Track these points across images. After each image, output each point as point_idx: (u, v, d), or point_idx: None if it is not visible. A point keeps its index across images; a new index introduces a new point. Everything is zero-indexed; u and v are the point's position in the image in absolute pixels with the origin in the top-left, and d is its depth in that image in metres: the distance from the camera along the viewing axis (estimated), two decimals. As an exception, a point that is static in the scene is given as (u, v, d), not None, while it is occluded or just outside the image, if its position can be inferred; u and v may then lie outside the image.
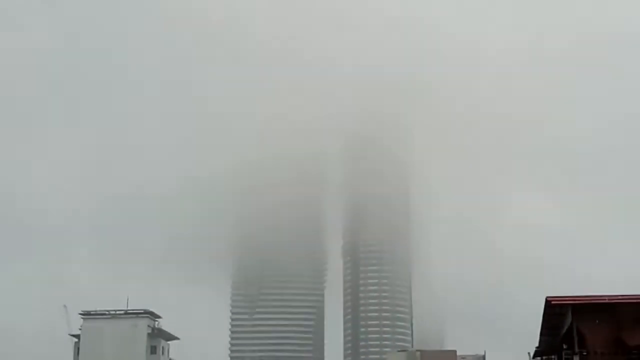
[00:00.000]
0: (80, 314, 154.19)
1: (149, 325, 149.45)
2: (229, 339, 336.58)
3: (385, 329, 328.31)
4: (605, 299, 41.02)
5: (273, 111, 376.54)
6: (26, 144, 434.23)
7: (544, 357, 45.88)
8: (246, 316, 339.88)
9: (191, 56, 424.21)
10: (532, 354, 46.04)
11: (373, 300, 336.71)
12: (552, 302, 41.35)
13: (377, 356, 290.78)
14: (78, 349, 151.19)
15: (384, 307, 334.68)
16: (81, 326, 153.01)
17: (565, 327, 41.75)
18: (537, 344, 45.70)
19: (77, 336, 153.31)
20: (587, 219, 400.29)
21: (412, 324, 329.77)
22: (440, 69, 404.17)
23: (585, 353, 39.92)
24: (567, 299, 41.16)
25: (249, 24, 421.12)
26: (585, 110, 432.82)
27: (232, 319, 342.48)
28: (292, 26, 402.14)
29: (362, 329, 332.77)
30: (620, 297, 41.05)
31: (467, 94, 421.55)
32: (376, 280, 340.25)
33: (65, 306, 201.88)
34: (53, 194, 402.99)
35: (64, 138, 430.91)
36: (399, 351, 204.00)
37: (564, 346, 40.94)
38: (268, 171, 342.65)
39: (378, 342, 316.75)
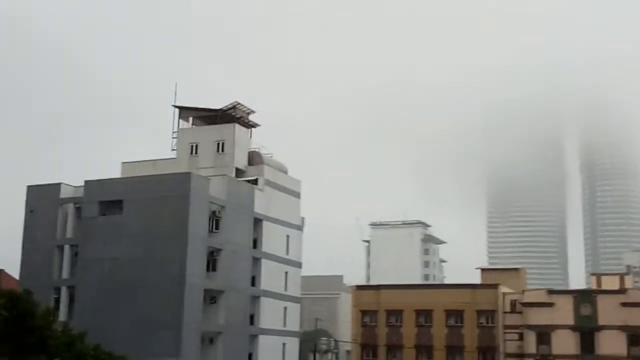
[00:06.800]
0: (370, 224, 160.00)
1: (421, 232, 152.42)
2: (487, 242, 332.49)
3: (621, 232, 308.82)
4: None
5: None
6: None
7: None
8: (500, 224, 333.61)
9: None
10: None
11: (609, 209, 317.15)
12: None
13: (614, 255, 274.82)
14: (369, 251, 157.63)
15: (618, 215, 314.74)
16: (370, 234, 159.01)
17: None
18: None
19: (368, 241, 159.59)
20: None
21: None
22: None
23: None
24: None
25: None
26: None
27: (489, 227, 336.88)
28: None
29: (600, 232, 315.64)
30: None
31: None
32: (610, 192, 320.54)
33: (357, 218, 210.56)
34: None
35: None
36: (634, 251, 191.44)
37: None
38: (517, 110, 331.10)
39: (613, 244, 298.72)
